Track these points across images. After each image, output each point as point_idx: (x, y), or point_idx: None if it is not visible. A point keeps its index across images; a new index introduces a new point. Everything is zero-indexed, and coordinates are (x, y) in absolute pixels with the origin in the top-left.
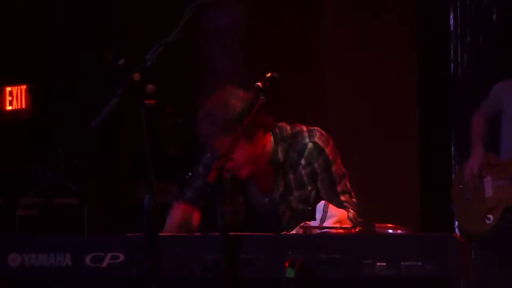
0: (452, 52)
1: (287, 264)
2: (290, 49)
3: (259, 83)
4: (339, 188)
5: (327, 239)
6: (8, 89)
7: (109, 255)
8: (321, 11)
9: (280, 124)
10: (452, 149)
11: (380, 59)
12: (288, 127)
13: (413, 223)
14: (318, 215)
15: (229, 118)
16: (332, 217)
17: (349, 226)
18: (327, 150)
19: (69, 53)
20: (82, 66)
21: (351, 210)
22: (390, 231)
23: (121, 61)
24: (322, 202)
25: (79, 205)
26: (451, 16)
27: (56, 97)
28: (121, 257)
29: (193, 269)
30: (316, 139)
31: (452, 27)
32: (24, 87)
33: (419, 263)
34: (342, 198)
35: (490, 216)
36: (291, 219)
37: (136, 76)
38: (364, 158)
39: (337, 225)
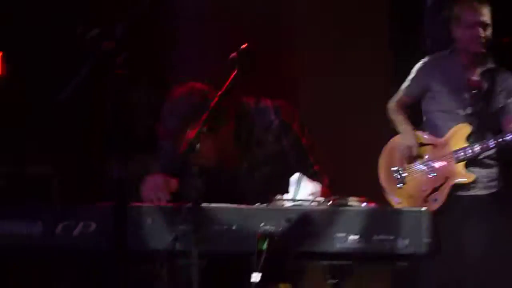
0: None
1: (259, 237)
2: (263, 20)
3: (234, 54)
4: (312, 159)
5: (300, 212)
6: None
7: (81, 224)
8: None
9: (244, 99)
10: None
11: (353, 34)
12: (252, 102)
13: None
14: (292, 188)
15: (193, 113)
16: (306, 189)
17: (323, 199)
18: (295, 126)
19: (43, 23)
20: (56, 36)
21: (326, 178)
22: (364, 204)
23: (94, 31)
24: (296, 175)
25: (50, 175)
26: None
27: (31, 67)
28: (93, 226)
29: (164, 240)
30: (283, 115)
31: (428, 2)
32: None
33: (392, 237)
34: (316, 167)
35: (437, 197)
36: (256, 196)
37: (107, 45)
38: (341, 135)
39: (311, 197)
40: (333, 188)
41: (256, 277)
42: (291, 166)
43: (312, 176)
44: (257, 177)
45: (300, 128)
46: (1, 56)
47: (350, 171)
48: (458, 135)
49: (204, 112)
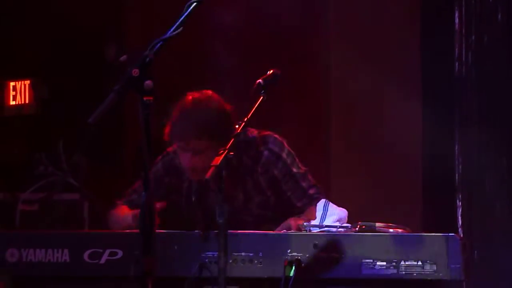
0: (456, 51)
1: (286, 263)
2: (291, 46)
3: (260, 80)
4: (304, 184)
5: (327, 238)
6: (12, 83)
7: (107, 251)
8: (324, 14)
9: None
10: (456, 149)
11: (383, 58)
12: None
13: (416, 223)
14: (318, 214)
15: (207, 123)
16: (332, 215)
17: (349, 224)
18: (284, 155)
19: (72, 49)
20: (85, 62)
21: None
22: (391, 230)
23: (123, 58)
24: (323, 201)
25: (79, 201)
26: (456, 15)
27: (59, 93)
28: (120, 254)
29: (191, 266)
30: (271, 146)
31: (457, 26)
32: (27, 82)
33: (419, 263)
34: (311, 191)
35: None
36: (253, 226)
37: (135, 72)
38: (366, 158)
39: (337, 223)
40: (361, 213)
41: None
42: (284, 195)
43: (310, 201)
44: (251, 207)
45: (290, 158)
46: (29, 83)
47: (378, 197)
48: None
49: (221, 123)
